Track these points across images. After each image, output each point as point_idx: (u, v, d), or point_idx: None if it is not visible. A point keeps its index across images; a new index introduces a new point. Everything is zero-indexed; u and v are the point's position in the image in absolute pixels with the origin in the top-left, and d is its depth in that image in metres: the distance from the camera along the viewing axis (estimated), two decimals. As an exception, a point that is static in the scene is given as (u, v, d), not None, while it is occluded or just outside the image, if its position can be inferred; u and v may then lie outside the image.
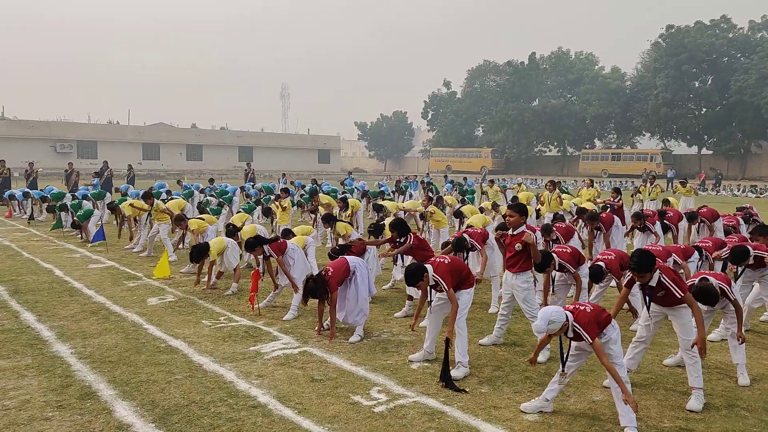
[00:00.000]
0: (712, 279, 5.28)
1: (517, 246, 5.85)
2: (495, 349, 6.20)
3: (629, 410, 4.28)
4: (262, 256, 7.70)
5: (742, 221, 11.26)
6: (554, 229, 8.93)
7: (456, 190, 21.65)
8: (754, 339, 6.66)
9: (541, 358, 5.87)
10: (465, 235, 7.77)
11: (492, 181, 21.33)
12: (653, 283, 4.80)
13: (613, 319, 4.53)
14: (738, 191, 38.25)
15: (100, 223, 13.94)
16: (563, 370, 4.59)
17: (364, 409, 4.67)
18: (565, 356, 4.59)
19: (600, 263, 6.62)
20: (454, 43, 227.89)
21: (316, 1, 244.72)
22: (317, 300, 6.49)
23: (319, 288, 6.32)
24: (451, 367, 5.26)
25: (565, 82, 65.24)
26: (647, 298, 4.95)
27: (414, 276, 5.45)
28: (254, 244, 7.56)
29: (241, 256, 9.36)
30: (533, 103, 65.54)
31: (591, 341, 4.29)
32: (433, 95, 76.00)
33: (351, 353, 6.01)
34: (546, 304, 6.34)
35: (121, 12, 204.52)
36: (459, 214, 12.72)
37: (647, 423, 4.50)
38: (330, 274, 6.38)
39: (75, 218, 14.08)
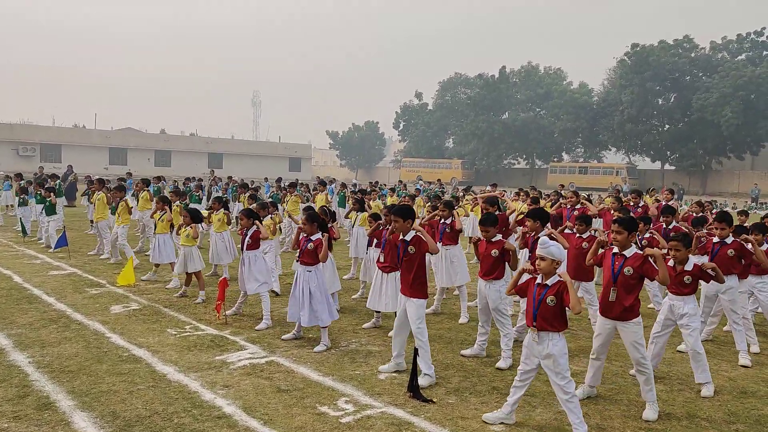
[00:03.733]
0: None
1: (494, 252, 6.02)
2: (462, 360, 6.22)
3: (582, 424, 4.37)
4: (248, 227, 7.68)
5: None
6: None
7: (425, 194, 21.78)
8: (714, 350, 6.82)
9: (502, 364, 5.96)
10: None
11: (468, 188, 21.74)
12: (628, 253, 4.97)
13: (561, 332, 4.51)
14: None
15: (62, 228, 13.58)
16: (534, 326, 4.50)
17: (330, 420, 4.64)
18: (535, 306, 4.50)
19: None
20: (427, 56, 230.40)
21: (286, 12, 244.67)
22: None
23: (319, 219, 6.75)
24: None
25: (534, 96, 66.27)
26: (615, 274, 4.98)
27: (407, 211, 5.64)
28: (251, 214, 7.82)
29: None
30: (503, 116, 66.38)
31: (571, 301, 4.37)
32: (405, 106, 76.38)
33: (318, 363, 5.97)
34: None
35: (89, 15, 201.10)
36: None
37: (611, 433, 4.56)
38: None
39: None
